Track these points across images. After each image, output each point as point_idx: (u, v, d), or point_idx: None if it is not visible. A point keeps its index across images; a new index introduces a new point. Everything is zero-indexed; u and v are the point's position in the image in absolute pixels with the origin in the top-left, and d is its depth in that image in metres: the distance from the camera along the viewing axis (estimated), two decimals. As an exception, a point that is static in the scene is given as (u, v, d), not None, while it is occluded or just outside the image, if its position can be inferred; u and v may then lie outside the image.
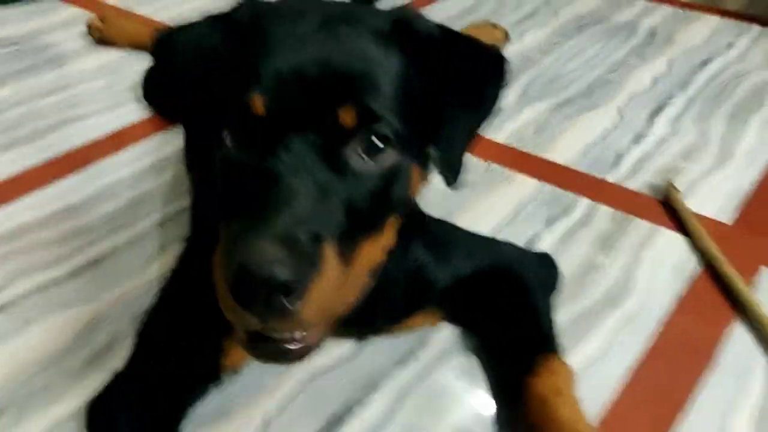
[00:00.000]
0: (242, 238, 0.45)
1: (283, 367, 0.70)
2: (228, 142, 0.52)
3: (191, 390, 0.65)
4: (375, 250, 0.54)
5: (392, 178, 0.53)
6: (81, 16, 1.45)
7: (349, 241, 0.49)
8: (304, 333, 0.51)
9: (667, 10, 1.52)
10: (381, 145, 0.51)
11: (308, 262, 0.45)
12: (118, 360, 0.68)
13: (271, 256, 0.43)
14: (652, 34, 1.41)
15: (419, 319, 0.75)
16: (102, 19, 1.36)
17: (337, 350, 0.73)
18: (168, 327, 0.65)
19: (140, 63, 1.26)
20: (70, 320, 0.76)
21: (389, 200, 0.53)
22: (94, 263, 0.83)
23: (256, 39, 0.53)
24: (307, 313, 0.46)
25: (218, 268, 0.48)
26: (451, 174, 0.57)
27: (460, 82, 0.56)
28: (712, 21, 1.47)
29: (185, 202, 0.90)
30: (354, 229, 0.50)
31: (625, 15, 1.49)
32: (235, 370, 0.67)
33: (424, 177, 0.58)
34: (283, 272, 0.43)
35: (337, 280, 0.48)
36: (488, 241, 0.79)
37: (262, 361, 0.53)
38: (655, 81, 1.24)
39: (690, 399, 0.69)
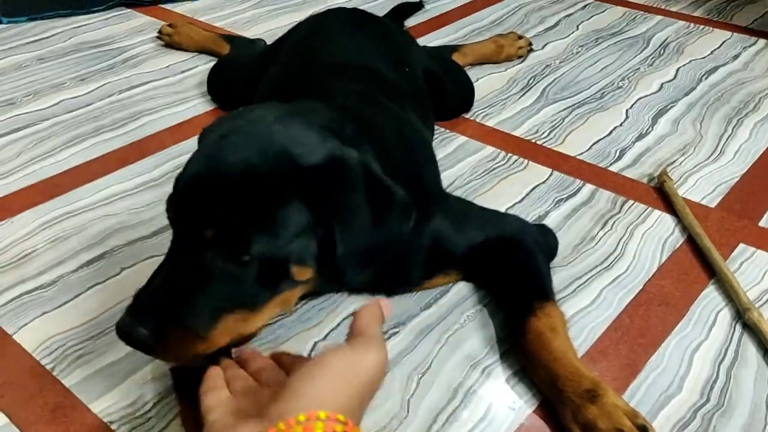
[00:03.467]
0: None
1: (327, 305, 0.87)
2: None
3: None
4: (237, 324, 0.65)
5: (253, 280, 0.64)
6: (151, 23, 1.64)
7: (204, 314, 0.63)
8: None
9: (680, 24, 1.65)
10: (242, 257, 0.63)
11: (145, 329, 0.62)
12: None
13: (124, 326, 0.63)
14: (664, 46, 1.55)
15: (440, 280, 0.90)
16: (171, 26, 1.55)
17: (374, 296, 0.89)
18: None
19: (205, 63, 1.44)
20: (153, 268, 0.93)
21: (250, 295, 0.64)
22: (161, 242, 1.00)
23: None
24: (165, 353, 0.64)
25: None
26: (348, 273, 0.67)
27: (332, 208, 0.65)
28: (722, 35, 1.60)
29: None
30: (211, 308, 0.63)
31: (640, 29, 1.63)
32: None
33: (308, 272, 0.67)
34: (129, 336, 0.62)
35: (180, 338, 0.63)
36: (498, 214, 0.94)
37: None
38: (662, 87, 1.38)
39: (662, 340, 0.83)
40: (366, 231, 0.66)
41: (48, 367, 0.79)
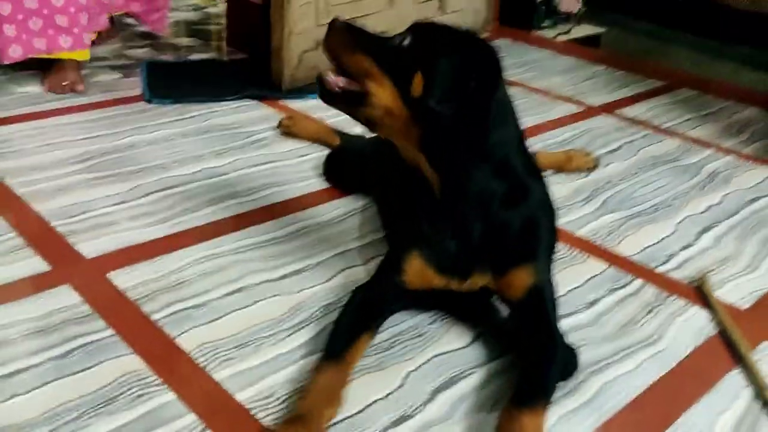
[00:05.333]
0: None
1: (418, 343, 1.08)
2: None
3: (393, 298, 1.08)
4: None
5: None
6: (272, 114, 1.95)
7: None
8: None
9: (729, 158, 1.88)
10: None
11: None
12: (309, 333, 1.09)
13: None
14: (713, 175, 1.77)
15: (516, 277, 1.05)
16: (290, 119, 1.85)
17: (457, 339, 1.10)
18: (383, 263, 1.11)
19: (318, 152, 1.72)
20: (281, 303, 1.17)
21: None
22: (297, 272, 1.24)
23: None
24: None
25: None
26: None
27: None
28: (767, 171, 1.82)
29: (345, 240, 1.32)
30: None
31: (693, 159, 1.86)
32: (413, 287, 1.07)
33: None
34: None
35: None
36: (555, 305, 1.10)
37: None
38: (709, 208, 1.60)
39: (690, 405, 1.02)
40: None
41: (201, 364, 1.02)
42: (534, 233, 1.06)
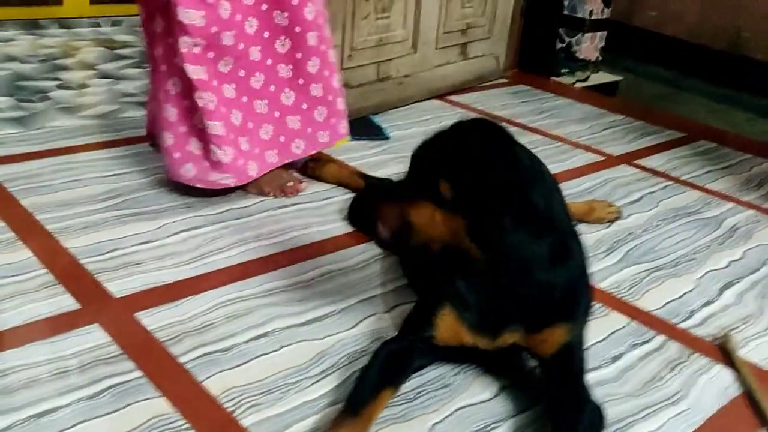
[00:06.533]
0: None
1: (444, 395, 1.09)
2: None
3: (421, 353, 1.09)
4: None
5: None
6: (296, 155, 1.97)
7: None
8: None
9: (750, 212, 1.89)
10: None
11: None
12: (333, 382, 1.10)
13: None
14: (734, 229, 1.78)
15: (551, 335, 1.06)
16: (314, 161, 1.87)
17: (482, 392, 1.10)
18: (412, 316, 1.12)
19: (342, 195, 1.74)
20: (307, 349, 1.18)
21: None
22: (321, 318, 1.25)
23: None
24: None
25: None
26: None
27: None
28: (787, 227, 1.83)
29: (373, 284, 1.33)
30: None
31: (713, 212, 1.87)
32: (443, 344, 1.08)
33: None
34: None
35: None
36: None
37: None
38: (730, 264, 1.60)
39: (716, 467, 1.01)
40: None
41: (229, 409, 1.03)
42: (573, 293, 1.07)
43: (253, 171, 1.65)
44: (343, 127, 1.79)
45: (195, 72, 1.51)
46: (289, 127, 1.71)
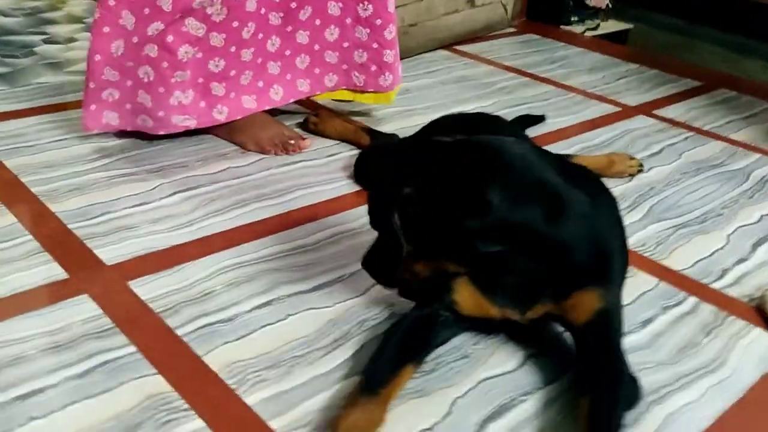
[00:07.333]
0: None
1: (465, 367, 1.00)
2: None
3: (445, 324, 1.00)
4: None
5: None
6: (299, 110, 1.86)
7: None
8: None
9: (778, 163, 1.79)
10: None
11: None
12: (345, 353, 1.02)
13: None
14: (763, 181, 1.68)
15: (582, 299, 0.96)
16: (316, 116, 1.76)
17: (505, 362, 1.02)
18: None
19: (347, 151, 1.64)
20: (315, 318, 1.09)
21: None
22: (329, 283, 1.16)
23: None
24: None
25: None
26: None
27: None
28: (818, 178, 1.73)
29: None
30: None
31: (739, 163, 1.77)
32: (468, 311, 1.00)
33: None
34: None
35: None
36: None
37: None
38: (761, 218, 1.51)
39: (762, 440, 0.93)
40: None
41: (232, 386, 0.94)
42: (596, 252, 0.95)
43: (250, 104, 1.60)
44: (384, 80, 1.71)
45: None
46: (326, 61, 1.69)
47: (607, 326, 0.97)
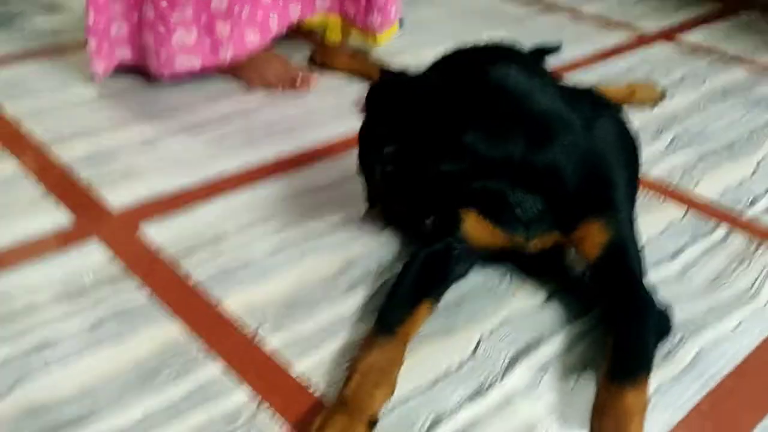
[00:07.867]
0: None
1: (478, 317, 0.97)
2: None
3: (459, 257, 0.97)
4: None
5: None
6: (304, 43, 1.80)
7: None
8: None
9: (807, 87, 1.71)
10: None
11: None
12: (365, 292, 0.98)
13: None
14: (790, 106, 1.62)
15: (587, 231, 0.93)
16: (322, 49, 1.69)
17: (530, 297, 0.98)
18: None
19: (355, 87, 1.58)
20: (332, 258, 1.05)
21: None
22: (344, 223, 1.12)
23: None
24: None
25: None
26: None
27: None
28: None
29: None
30: None
31: (766, 88, 1.70)
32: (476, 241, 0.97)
33: None
34: None
35: None
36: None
37: None
38: (791, 145, 1.45)
39: (801, 371, 0.90)
40: None
41: (250, 329, 0.91)
42: (594, 178, 0.92)
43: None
44: (372, 20, 1.61)
45: None
46: None
47: (621, 259, 0.93)
